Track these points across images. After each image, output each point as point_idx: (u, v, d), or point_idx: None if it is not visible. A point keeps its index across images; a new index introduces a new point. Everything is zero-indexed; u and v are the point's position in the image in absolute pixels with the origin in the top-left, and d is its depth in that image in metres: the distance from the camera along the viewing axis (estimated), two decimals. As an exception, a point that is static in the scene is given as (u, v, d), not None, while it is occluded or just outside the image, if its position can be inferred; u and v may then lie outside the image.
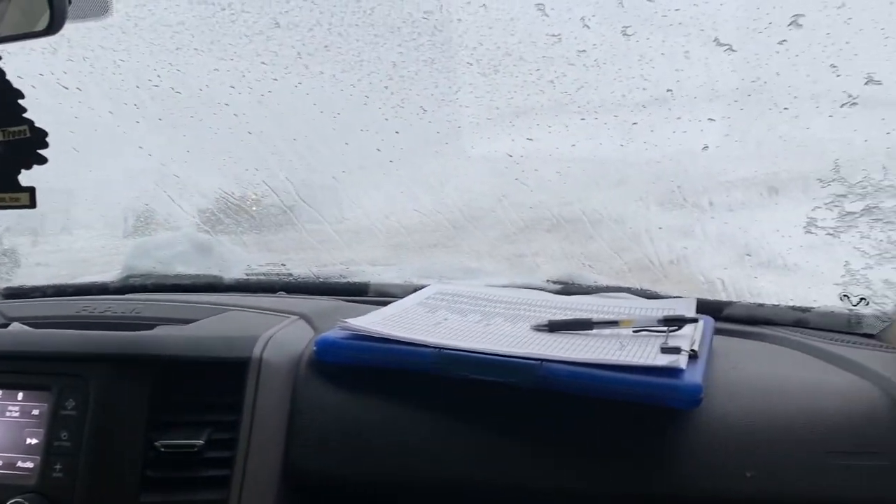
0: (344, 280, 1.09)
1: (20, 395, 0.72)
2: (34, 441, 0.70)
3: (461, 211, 1.04)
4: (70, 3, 0.65)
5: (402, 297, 0.90)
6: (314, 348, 0.74)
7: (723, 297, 0.95)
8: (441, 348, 0.68)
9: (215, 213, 1.14)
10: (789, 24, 0.81)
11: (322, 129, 1.01)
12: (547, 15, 0.87)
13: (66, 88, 1.01)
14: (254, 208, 1.14)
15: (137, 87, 1.00)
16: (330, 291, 1.06)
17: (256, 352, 0.73)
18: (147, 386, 0.72)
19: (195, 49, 0.96)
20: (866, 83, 0.81)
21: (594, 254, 1.01)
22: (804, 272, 0.93)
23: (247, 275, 1.11)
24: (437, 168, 1.04)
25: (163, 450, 0.69)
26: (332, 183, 1.08)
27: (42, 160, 0.64)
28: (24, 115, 0.63)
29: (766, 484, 0.62)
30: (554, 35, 0.87)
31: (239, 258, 1.13)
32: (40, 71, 0.98)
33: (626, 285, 0.98)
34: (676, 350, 0.66)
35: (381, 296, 1.03)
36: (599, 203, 0.99)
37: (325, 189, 1.10)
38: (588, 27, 0.85)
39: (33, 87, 0.65)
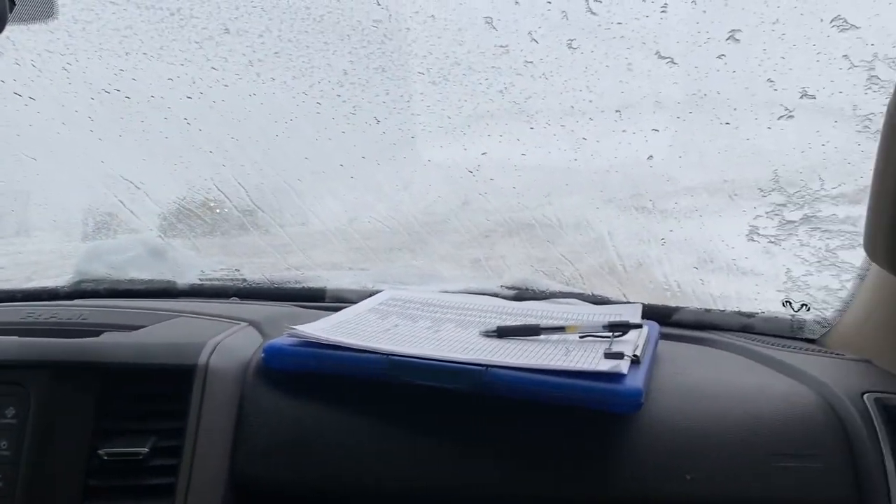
0: (299, 285, 1.07)
1: (-41, 404, 0.71)
2: (-27, 451, 0.69)
3: (416, 218, 1.05)
4: (14, 4, 0.64)
5: (357, 303, 0.90)
6: (262, 355, 0.74)
7: (671, 303, 0.96)
8: (389, 355, 0.68)
9: (168, 218, 1.13)
10: (727, 39, 0.83)
11: (275, 136, 1.01)
12: (495, 27, 0.88)
13: (20, 96, 1.00)
14: (208, 213, 1.13)
15: (92, 98, 0.98)
16: (285, 297, 1.04)
17: (203, 358, 0.72)
18: (91, 393, 0.71)
19: (144, 54, 0.95)
20: (801, 97, 0.84)
21: (547, 260, 1.03)
22: (749, 278, 0.95)
23: (200, 280, 1.09)
24: (392, 175, 1.05)
25: (106, 458, 0.68)
26: (286, 188, 1.07)
27: None
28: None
29: (708, 486, 0.63)
30: (502, 46, 0.89)
31: (193, 263, 1.12)
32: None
33: (578, 291, 1.00)
34: (619, 355, 0.67)
35: (337, 301, 1.02)
36: (552, 211, 1.01)
37: (281, 194, 1.09)
38: (535, 40, 0.87)
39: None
